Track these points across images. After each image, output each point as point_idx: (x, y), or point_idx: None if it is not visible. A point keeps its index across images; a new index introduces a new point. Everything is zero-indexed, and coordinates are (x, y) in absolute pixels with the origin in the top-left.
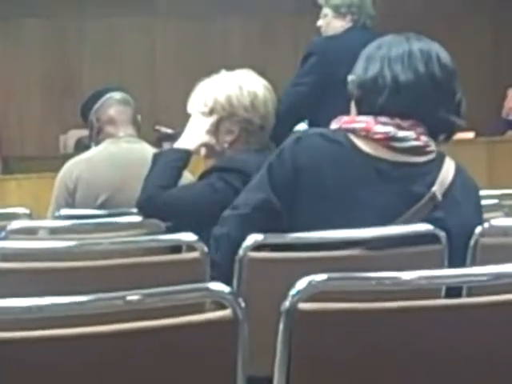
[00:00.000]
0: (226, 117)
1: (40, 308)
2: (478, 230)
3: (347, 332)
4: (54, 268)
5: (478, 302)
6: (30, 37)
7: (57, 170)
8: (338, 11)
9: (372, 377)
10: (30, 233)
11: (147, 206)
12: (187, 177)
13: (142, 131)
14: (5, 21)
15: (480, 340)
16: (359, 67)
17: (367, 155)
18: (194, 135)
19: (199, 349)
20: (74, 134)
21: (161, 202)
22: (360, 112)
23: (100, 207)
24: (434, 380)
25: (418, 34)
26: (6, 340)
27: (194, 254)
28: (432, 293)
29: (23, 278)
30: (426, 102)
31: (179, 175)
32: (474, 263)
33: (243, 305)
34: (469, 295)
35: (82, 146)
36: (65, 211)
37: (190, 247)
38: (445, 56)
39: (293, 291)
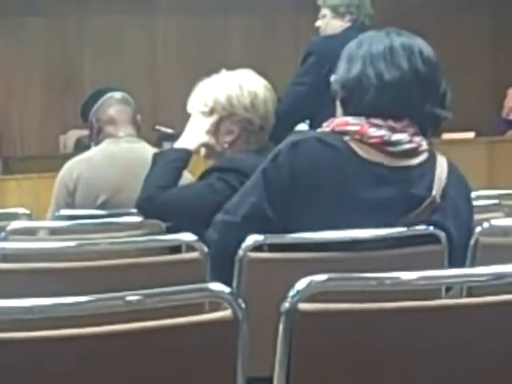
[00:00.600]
0: (226, 117)
1: (40, 308)
2: (478, 229)
3: (347, 332)
4: (53, 268)
5: (477, 302)
6: (30, 35)
7: (57, 169)
8: (336, 11)
9: (372, 377)
10: (29, 233)
11: (147, 206)
12: (187, 177)
13: (142, 131)
14: (6, 19)
15: (480, 340)
16: (342, 67)
17: (364, 160)
18: (194, 135)
19: (199, 349)
20: (74, 134)
21: (161, 202)
22: (346, 112)
23: (100, 207)
24: (434, 380)
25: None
26: (6, 340)
27: (194, 254)
28: (432, 293)
29: (23, 279)
30: (411, 97)
31: (179, 175)
32: (474, 263)
33: (243, 305)
34: (469, 295)
35: (81, 146)
36: (65, 211)
37: (190, 247)
38: (427, 49)
39: (293, 291)
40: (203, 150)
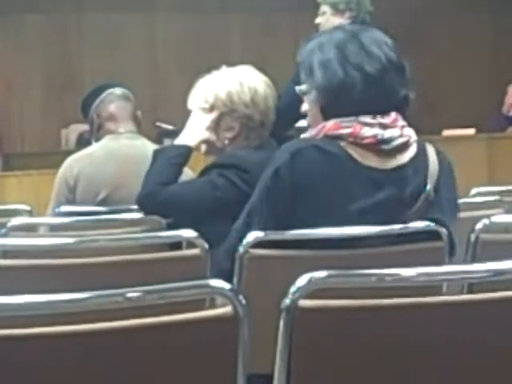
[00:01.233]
0: (226, 113)
1: (40, 305)
2: (479, 226)
3: (347, 329)
4: (54, 265)
5: (478, 299)
6: (30, 32)
7: (57, 166)
8: (336, 8)
9: (372, 373)
10: (30, 230)
11: (147, 203)
12: (188, 173)
13: (143, 127)
14: (5, 16)
15: (480, 337)
16: (317, 75)
17: (360, 164)
18: (195, 131)
19: (200, 346)
20: (76, 129)
21: (161, 198)
22: (331, 116)
23: (100, 203)
24: (434, 376)
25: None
26: (6, 337)
27: (195, 251)
28: (432, 289)
29: (24, 275)
30: (393, 85)
31: (180, 172)
32: (474, 260)
33: (244, 302)
34: (469, 292)
35: (83, 141)
36: (65, 208)
37: (191, 244)
38: (385, 36)
39: (293, 288)
40: (204, 147)
